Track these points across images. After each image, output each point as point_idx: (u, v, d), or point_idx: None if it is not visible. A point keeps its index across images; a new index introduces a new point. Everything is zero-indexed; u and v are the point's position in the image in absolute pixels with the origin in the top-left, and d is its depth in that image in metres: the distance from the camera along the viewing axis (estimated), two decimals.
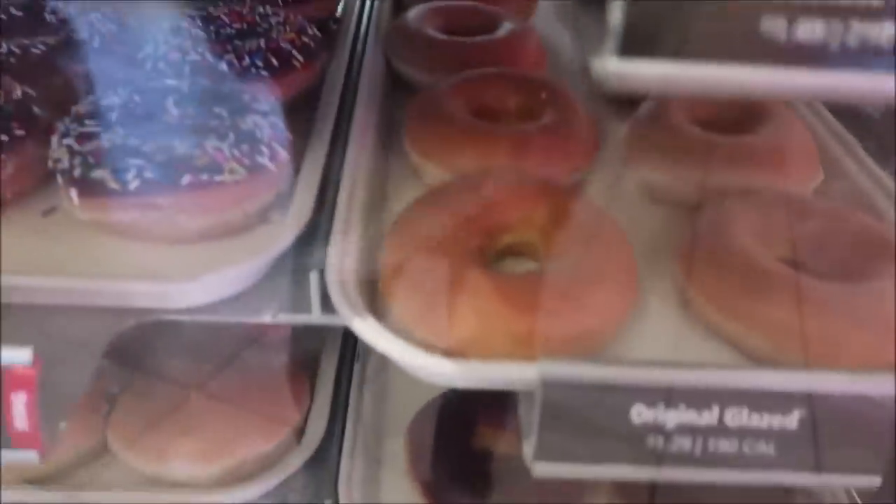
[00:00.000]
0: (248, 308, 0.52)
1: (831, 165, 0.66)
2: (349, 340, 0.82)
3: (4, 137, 0.56)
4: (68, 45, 0.70)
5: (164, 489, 0.66)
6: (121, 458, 0.68)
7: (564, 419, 0.42)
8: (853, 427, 0.43)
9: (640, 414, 0.42)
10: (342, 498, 0.65)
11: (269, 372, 0.75)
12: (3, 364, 0.39)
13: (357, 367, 0.79)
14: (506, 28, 0.81)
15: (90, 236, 0.55)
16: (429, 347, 0.45)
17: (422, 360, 0.44)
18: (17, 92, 0.60)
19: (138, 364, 0.75)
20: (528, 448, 0.43)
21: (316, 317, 0.52)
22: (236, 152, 0.55)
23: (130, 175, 0.52)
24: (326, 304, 0.51)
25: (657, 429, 0.43)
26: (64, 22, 0.72)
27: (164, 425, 0.68)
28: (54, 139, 0.56)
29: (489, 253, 0.53)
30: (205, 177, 0.53)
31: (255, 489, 0.66)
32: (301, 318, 0.52)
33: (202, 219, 0.54)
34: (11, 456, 0.40)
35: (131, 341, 0.78)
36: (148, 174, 0.52)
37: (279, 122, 0.59)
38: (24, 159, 0.57)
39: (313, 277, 0.50)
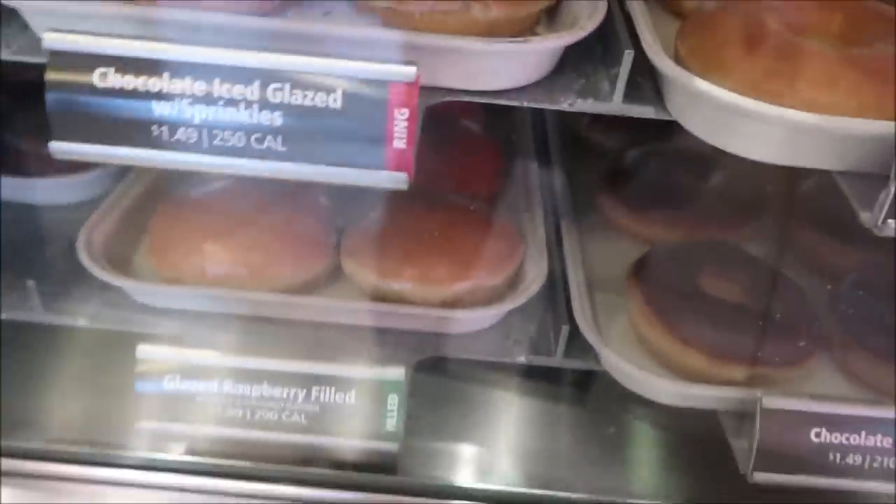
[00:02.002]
0: (545, 96, 0.52)
1: None
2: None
3: None
4: None
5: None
6: (355, 279, 0.70)
7: None
8: None
9: None
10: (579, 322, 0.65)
11: (486, 213, 0.76)
12: (387, 79, 0.39)
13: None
14: None
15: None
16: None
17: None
18: None
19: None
20: None
21: (617, 105, 0.51)
22: None
23: None
24: (631, 93, 0.50)
25: None
26: None
27: (395, 251, 0.70)
28: None
29: None
30: None
31: (496, 311, 0.67)
32: (603, 107, 0.51)
33: (496, 9, 0.53)
34: (385, 177, 0.40)
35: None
36: None
37: None
38: None
39: (626, 57, 0.49)
